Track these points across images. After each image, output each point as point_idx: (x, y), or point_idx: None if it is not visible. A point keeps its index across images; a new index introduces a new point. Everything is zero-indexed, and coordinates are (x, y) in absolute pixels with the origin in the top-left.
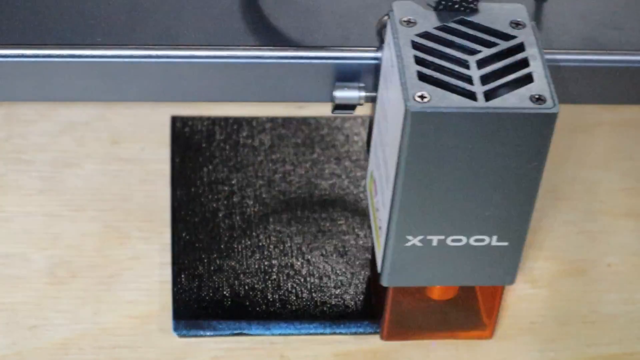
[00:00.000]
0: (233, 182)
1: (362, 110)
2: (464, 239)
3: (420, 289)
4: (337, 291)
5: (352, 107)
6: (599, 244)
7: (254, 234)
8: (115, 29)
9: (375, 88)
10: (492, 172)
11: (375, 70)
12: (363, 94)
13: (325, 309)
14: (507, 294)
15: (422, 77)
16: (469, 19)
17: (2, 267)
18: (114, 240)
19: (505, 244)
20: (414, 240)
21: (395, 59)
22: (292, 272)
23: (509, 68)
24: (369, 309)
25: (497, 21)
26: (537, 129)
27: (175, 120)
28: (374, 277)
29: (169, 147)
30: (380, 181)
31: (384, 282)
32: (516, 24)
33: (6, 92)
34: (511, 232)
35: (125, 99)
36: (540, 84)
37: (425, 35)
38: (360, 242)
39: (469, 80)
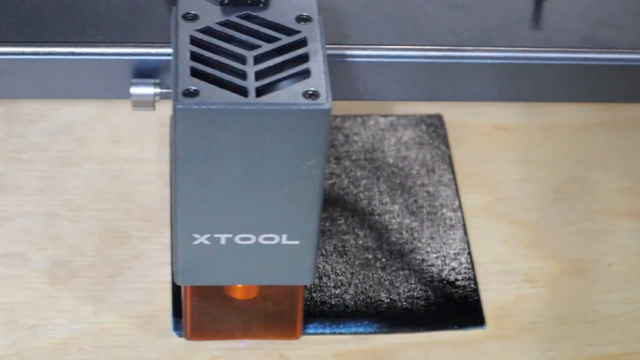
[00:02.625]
0: None
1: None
2: (253, 238)
3: (220, 288)
4: (337, 291)
5: (150, 103)
6: (599, 243)
7: None
8: (116, 27)
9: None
10: (271, 169)
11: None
12: (158, 90)
13: (325, 309)
14: (507, 293)
15: (194, 72)
16: (255, 13)
17: (2, 267)
18: (114, 240)
19: (296, 242)
20: (202, 239)
21: (172, 55)
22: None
23: (288, 63)
24: (370, 309)
25: (284, 16)
26: (311, 125)
27: None
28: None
29: (169, 147)
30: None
31: (177, 280)
32: (302, 19)
33: (6, 89)
34: (301, 231)
35: (126, 97)
36: (317, 80)
37: (206, 30)
38: (360, 242)
39: (242, 75)
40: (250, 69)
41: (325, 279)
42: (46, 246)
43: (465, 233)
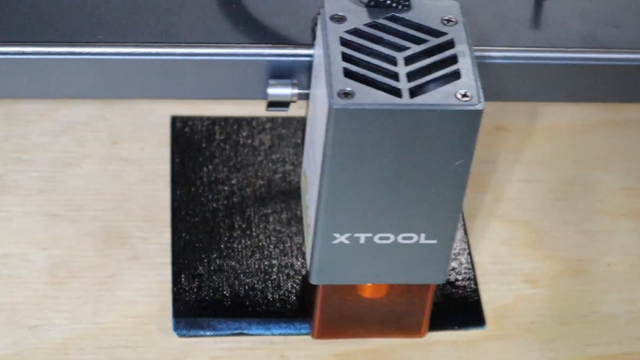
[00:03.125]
0: (233, 182)
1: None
2: (392, 237)
3: (351, 287)
4: None
5: (285, 104)
6: (599, 244)
7: (254, 234)
8: (116, 27)
9: (309, 85)
10: (418, 169)
11: (309, 67)
12: (296, 91)
13: None
14: (507, 293)
15: (347, 73)
16: (400, 15)
17: (2, 267)
18: (114, 240)
19: (434, 242)
20: (341, 238)
21: (323, 56)
22: (292, 272)
23: (437, 65)
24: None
25: (429, 18)
26: (462, 125)
27: (175, 120)
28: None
29: (169, 147)
30: (311, 179)
31: (313, 279)
32: (448, 21)
33: (6, 89)
34: (440, 230)
35: (126, 96)
36: (468, 81)
37: (354, 31)
38: None
39: (395, 77)
40: (402, 70)
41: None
42: (46, 246)
43: (465, 233)
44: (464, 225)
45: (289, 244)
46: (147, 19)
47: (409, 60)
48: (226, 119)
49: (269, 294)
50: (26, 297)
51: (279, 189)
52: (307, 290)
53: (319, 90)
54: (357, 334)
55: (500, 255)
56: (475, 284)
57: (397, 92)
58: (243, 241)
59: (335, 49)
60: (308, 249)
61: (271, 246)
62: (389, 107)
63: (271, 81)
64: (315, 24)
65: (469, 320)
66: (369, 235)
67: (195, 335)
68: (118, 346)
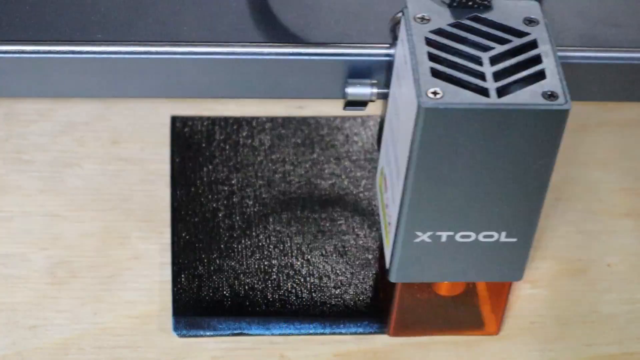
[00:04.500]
0: (233, 182)
1: (371, 109)
2: (473, 235)
3: (427, 285)
4: (337, 291)
5: (363, 103)
6: (599, 244)
7: (254, 234)
8: (115, 25)
9: (387, 85)
10: (503, 168)
11: (387, 67)
12: (375, 90)
13: (325, 309)
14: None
15: (435, 73)
16: (483, 15)
17: (2, 267)
18: (114, 240)
19: (514, 240)
20: (423, 236)
21: (408, 56)
22: (292, 272)
23: (522, 65)
24: (369, 309)
25: (511, 18)
26: (549, 125)
27: (175, 120)
28: (381, 274)
29: (169, 147)
30: (391, 177)
31: (393, 277)
32: (529, 21)
33: (6, 88)
34: (520, 228)
35: (125, 95)
36: (553, 81)
37: (439, 31)
38: (360, 242)
39: (481, 76)
40: (488, 69)
41: (325, 279)
42: (46, 246)
43: None
44: None
45: (289, 244)
46: (147, 18)
47: (494, 60)
48: (226, 119)
49: (269, 294)
50: (26, 297)
51: (279, 189)
52: (385, 287)
53: (404, 89)
54: (432, 331)
55: None
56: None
57: (484, 92)
58: (243, 241)
59: (421, 48)
60: (388, 247)
61: (271, 246)
62: (477, 106)
63: (350, 80)
64: (395, 24)
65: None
66: (451, 233)
67: (195, 335)
68: (118, 346)
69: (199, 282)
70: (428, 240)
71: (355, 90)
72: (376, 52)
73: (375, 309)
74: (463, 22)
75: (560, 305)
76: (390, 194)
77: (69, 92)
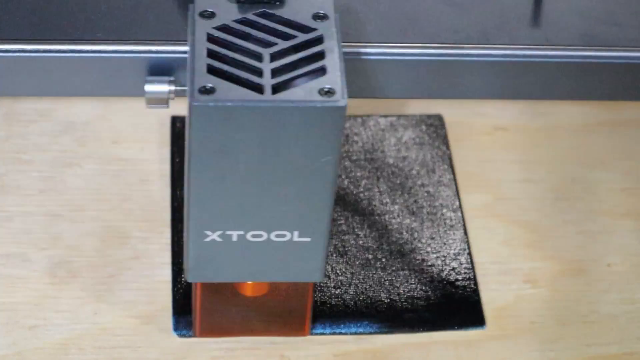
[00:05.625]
0: None
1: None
2: (265, 235)
3: (231, 285)
4: (337, 291)
5: (164, 100)
6: (599, 244)
7: None
8: (116, 25)
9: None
10: (285, 166)
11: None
12: (173, 87)
13: (325, 309)
14: (507, 293)
15: (211, 70)
16: (271, 11)
17: (2, 267)
18: (114, 240)
19: (308, 239)
20: (213, 236)
21: (188, 53)
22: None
23: (304, 61)
24: (370, 309)
25: (300, 13)
26: (326, 122)
27: (175, 120)
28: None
29: (169, 147)
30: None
31: (188, 277)
32: (319, 17)
33: (6, 87)
34: (312, 227)
35: (126, 95)
36: (333, 77)
37: (223, 28)
38: (360, 242)
39: (258, 73)
40: (267, 66)
41: (325, 279)
42: (46, 246)
43: (466, 233)
44: (464, 225)
45: None
46: (147, 17)
47: (275, 57)
48: None
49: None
50: (26, 297)
51: None
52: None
53: (188, 87)
54: (241, 332)
55: (500, 255)
56: (475, 284)
57: (259, 89)
58: None
59: (201, 45)
60: (184, 247)
61: None
62: (248, 103)
63: (148, 78)
64: None
65: (469, 320)
66: (241, 232)
67: (195, 335)
68: (118, 346)
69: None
70: (219, 239)
71: (153, 88)
72: (175, 49)
73: (375, 309)
74: (249, 18)
75: (560, 305)
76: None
77: (69, 91)
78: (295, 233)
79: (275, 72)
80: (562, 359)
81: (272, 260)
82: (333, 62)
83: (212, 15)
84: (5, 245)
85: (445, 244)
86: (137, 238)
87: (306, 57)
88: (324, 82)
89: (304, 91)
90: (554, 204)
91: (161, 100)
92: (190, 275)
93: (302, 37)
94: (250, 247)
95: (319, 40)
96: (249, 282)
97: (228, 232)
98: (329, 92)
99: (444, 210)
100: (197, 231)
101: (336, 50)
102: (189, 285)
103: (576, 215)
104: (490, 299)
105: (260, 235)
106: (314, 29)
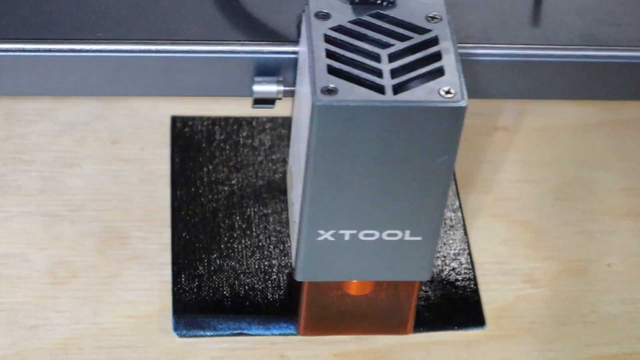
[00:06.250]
0: (233, 182)
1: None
2: (377, 234)
3: (336, 283)
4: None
5: (271, 101)
6: (599, 244)
7: (254, 234)
8: (116, 24)
9: (294, 83)
10: (402, 166)
11: (294, 64)
12: (281, 88)
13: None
14: (507, 293)
15: (331, 70)
16: (385, 12)
17: (2, 267)
18: (114, 240)
19: (419, 238)
20: (326, 235)
21: (307, 53)
22: (292, 272)
23: (421, 62)
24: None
25: (413, 15)
26: (446, 122)
27: (175, 120)
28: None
29: (169, 147)
30: (296, 176)
31: (298, 276)
32: (432, 18)
33: (6, 86)
34: (424, 227)
35: (126, 94)
36: (451, 78)
37: (339, 28)
38: None
39: (378, 73)
40: (385, 67)
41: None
42: (46, 246)
43: (465, 233)
44: (464, 225)
45: (289, 244)
46: (148, 17)
47: (392, 57)
48: (226, 119)
49: (269, 294)
50: (26, 297)
51: (279, 189)
52: (294, 287)
53: (304, 87)
54: (343, 331)
55: (500, 255)
56: (475, 284)
57: (380, 89)
58: (243, 241)
59: (319, 46)
60: (293, 245)
61: (271, 246)
62: (372, 103)
63: (256, 78)
64: (301, 22)
65: (469, 320)
66: (354, 232)
67: (195, 335)
68: (118, 346)
69: (199, 282)
70: (331, 238)
71: (262, 88)
72: (283, 49)
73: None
74: (364, 19)
75: (560, 305)
76: (294, 192)
77: (69, 90)
78: (407, 232)
79: (394, 73)
80: (562, 359)
81: (382, 259)
82: (450, 62)
83: (327, 16)
84: (5, 245)
85: (445, 244)
86: (137, 238)
87: (424, 58)
88: (443, 82)
89: (424, 92)
90: (554, 204)
91: (269, 101)
92: (301, 274)
93: (417, 38)
94: (361, 246)
95: (435, 41)
96: (355, 281)
97: (341, 232)
98: (449, 93)
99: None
100: (311, 230)
101: (452, 50)
102: (189, 285)
103: (576, 215)
104: (490, 299)
105: (373, 235)
106: (428, 30)
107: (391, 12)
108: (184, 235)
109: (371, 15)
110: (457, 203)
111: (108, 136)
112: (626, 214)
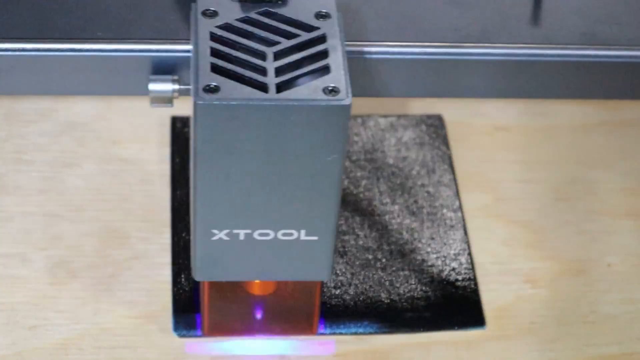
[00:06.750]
0: None
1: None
2: (272, 233)
3: (239, 283)
4: (337, 291)
5: (168, 100)
6: (599, 244)
7: None
8: (116, 23)
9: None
10: (290, 165)
11: (189, 63)
12: (177, 86)
13: (325, 309)
14: (507, 294)
15: (215, 68)
16: (274, 10)
17: (2, 267)
18: (114, 240)
19: (315, 238)
20: (221, 234)
21: (192, 52)
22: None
23: (307, 60)
24: (370, 309)
25: (302, 12)
26: (330, 121)
27: (175, 120)
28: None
29: (169, 147)
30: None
31: (196, 276)
32: (321, 16)
33: (6, 86)
34: (319, 226)
35: (125, 94)
36: (336, 76)
37: (226, 26)
38: (360, 242)
39: (263, 71)
40: (270, 65)
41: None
42: (46, 246)
43: (466, 233)
44: (464, 225)
45: None
46: (147, 16)
47: (278, 55)
48: None
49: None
50: (26, 297)
51: None
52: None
53: (192, 86)
54: (248, 332)
55: (500, 255)
56: (475, 284)
57: (263, 87)
58: None
59: (204, 44)
60: (192, 245)
61: None
62: (252, 102)
63: (151, 77)
64: None
65: (469, 320)
66: (248, 231)
67: (195, 336)
68: (118, 346)
69: (199, 282)
70: (226, 238)
71: (157, 87)
72: (177, 47)
73: (375, 309)
74: (251, 16)
75: (560, 305)
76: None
77: (69, 90)
78: (302, 232)
79: (279, 71)
80: (562, 359)
81: (279, 259)
82: (337, 60)
83: (214, 14)
84: (5, 245)
85: (445, 244)
86: (137, 238)
87: (310, 56)
88: (328, 80)
89: (308, 90)
90: (554, 204)
91: (165, 99)
92: (198, 274)
93: (305, 35)
94: (257, 246)
95: (322, 39)
96: (257, 281)
97: (235, 231)
98: (333, 91)
99: (444, 211)
100: (204, 230)
101: (339, 48)
102: (190, 285)
103: (576, 215)
104: (490, 299)
105: (267, 234)
106: (316, 28)
107: (280, 10)
108: (184, 235)
109: (259, 13)
110: (457, 203)
111: (108, 136)
112: (626, 214)
